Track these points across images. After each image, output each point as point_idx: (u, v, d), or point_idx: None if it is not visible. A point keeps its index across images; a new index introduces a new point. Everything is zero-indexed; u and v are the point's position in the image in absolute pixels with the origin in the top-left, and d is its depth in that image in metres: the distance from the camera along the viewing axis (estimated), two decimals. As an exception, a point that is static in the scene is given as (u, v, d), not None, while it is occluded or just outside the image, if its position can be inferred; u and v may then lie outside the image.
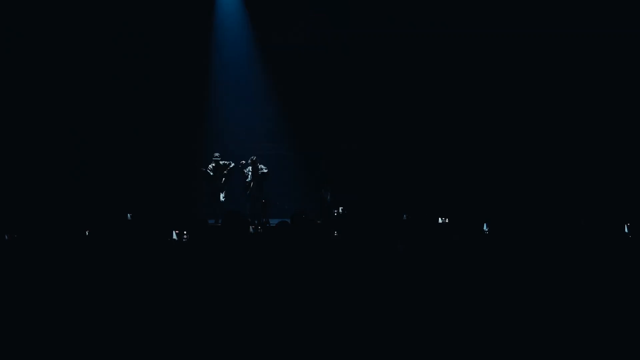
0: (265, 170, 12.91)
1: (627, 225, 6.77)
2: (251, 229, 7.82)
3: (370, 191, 13.51)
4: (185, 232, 6.46)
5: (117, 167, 13.39)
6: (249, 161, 12.93)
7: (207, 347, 4.14)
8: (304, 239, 5.87)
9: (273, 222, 9.97)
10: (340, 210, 10.38)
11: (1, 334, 4.12)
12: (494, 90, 13.26)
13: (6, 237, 6.41)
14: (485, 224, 7.25)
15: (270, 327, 4.24)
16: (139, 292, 4.67)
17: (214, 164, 12.94)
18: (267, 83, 14.48)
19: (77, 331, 4.21)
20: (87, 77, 13.31)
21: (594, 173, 12.22)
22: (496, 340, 4.18)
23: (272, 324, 4.27)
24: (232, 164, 13.03)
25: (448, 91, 13.52)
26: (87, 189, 12.85)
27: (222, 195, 12.96)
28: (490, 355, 4.07)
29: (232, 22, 14.44)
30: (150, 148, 13.72)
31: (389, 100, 13.88)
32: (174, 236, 6.53)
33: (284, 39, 14.17)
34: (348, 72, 14.03)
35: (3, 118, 12.64)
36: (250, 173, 12.89)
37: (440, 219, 8.32)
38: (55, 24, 12.83)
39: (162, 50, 13.81)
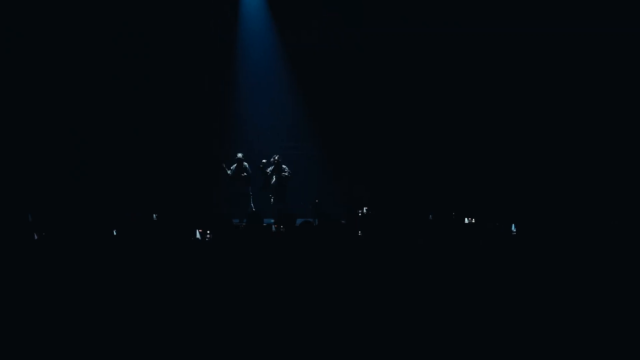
0: (287, 174, 12.83)
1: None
2: (273, 228, 7.76)
3: (393, 190, 13.42)
4: (208, 232, 6.43)
5: (141, 167, 13.49)
6: (272, 160, 12.88)
7: (228, 346, 4.09)
8: (328, 239, 5.80)
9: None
10: (364, 210, 10.27)
11: (30, 332, 4.14)
12: (515, 89, 13.07)
13: (35, 236, 6.46)
14: (513, 225, 7.11)
15: (292, 327, 4.19)
16: (163, 291, 4.65)
17: (236, 164, 12.92)
18: (290, 83, 14.49)
19: (104, 329, 4.20)
20: (113, 78, 13.41)
21: (624, 173, 11.97)
22: (525, 342, 4.07)
23: (295, 324, 4.21)
24: (249, 173, 12.95)
25: (465, 90, 13.40)
26: (111, 189, 12.94)
27: (248, 199, 12.96)
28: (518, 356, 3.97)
29: (257, 23, 14.47)
30: (174, 147, 13.80)
31: (412, 100, 13.77)
32: (197, 235, 6.51)
33: (306, 38, 14.18)
34: (369, 71, 13.98)
35: (34, 119, 12.79)
36: (272, 172, 12.85)
37: (466, 219, 8.20)
38: (62, 24, 12.88)
39: (185, 50, 13.89)
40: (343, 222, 7.79)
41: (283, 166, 12.90)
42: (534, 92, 12.98)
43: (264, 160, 12.88)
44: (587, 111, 12.57)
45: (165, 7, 13.60)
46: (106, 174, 13.16)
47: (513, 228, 7.11)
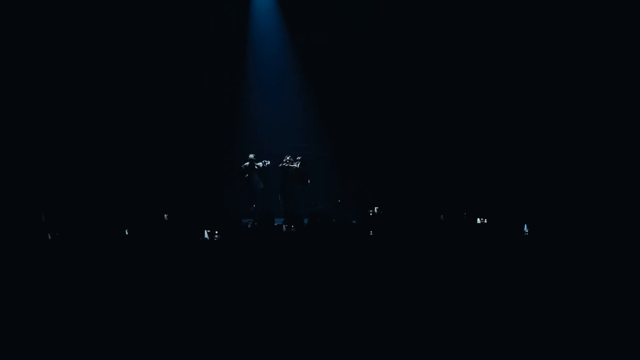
0: (303, 159, 12.88)
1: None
2: (284, 227, 7.73)
3: (404, 190, 13.38)
4: (216, 232, 6.41)
5: (151, 167, 13.53)
6: (283, 161, 12.93)
7: (237, 342, 4.08)
8: (339, 238, 5.78)
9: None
10: (375, 210, 10.23)
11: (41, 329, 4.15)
12: (528, 90, 13.00)
13: (49, 236, 6.48)
14: (525, 225, 7.04)
15: (299, 327, 4.17)
16: (172, 290, 4.64)
17: (247, 163, 12.96)
18: (300, 84, 14.50)
19: (113, 327, 4.20)
20: (120, 79, 13.46)
21: (634, 174, 11.87)
22: (538, 340, 4.03)
23: (303, 323, 4.19)
24: (268, 162, 13.00)
25: (476, 91, 13.35)
26: (120, 189, 12.97)
27: (256, 193, 13.00)
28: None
29: (268, 24, 14.49)
30: (184, 148, 13.84)
31: (423, 100, 13.73)
32: (206, 235, 6.49)
33: (316, 39, 14.20)
34: (380, 72, 13.96)
35: (55, 120, 12.85)
36: (285, 172, 12.91)
37: (478, 219, 8.12)
38: (69, 24, 12.92)
39: (196, 51, 13.94)
40: (354, 222, 7.77)
41: (295, 163, 12.95)
42: (548, 93, 12.89)
43: (280, 164, 12.94)
44: (601, 113, 12.47)
45: (177, 8, 13.64)
46: (115, 174, 13.20)
47: (525, 228, 7.04)
